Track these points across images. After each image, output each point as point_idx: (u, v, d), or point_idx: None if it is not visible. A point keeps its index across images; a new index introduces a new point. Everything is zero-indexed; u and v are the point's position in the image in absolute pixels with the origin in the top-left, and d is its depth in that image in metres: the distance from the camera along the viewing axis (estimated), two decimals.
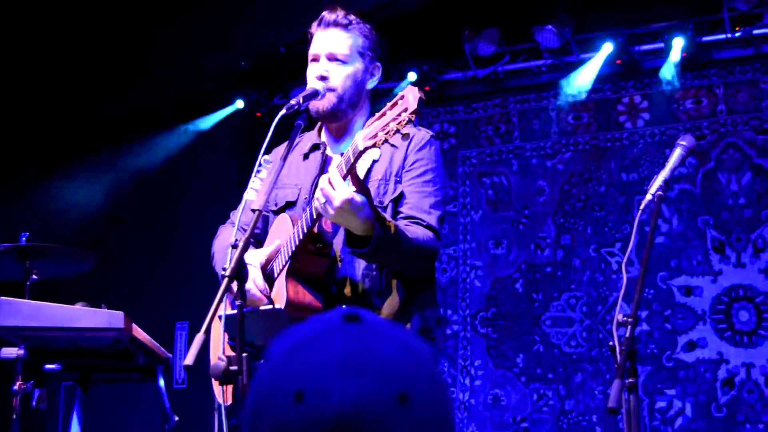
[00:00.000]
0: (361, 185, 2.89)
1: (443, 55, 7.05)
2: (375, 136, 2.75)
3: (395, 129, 2.70)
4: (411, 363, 1.09)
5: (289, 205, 3.33)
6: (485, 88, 7.11)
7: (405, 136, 2.74)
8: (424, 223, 3.12)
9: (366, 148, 2.79)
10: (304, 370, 1.08)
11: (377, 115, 2.80)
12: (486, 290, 6.86)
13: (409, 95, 2.70)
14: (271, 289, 3.15)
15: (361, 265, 3.13)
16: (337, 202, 2.82)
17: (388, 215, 3.09)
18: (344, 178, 2.86)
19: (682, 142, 3.27)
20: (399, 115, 2.70)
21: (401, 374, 1.07)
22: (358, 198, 2.84)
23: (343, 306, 3.10)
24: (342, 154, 2.92)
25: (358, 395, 1.04)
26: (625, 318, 2.86)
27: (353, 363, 1.06)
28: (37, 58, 7.49)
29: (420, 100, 2.68)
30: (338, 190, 2.82)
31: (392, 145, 2.84)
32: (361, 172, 3.06)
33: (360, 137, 2.81)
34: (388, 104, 2.76)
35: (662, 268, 6.33)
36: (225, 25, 7.06)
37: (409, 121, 2.69)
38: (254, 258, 3.15)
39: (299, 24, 6.32)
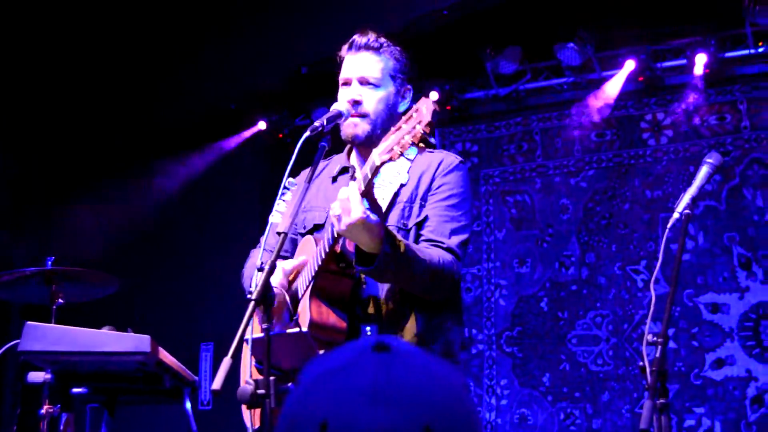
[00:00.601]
0: (375, 204, 2.89)
1: (465, 74, 7.06)
2: (391, 150, 2.75)
3: (410, 142, 2.71)
4: (439, 394, 1.09)
5: (317, 228, 3.33)
6: (507, 106, 7.11)
7: (421, 149, 2.73)
8: (444, 246, 3.10)
9: (382, 163, 2.79)
10: (329, 400, 1.08)
11: (393, 129, 2.80)
12: (511, 309, 6.84)
13: (422, 107, 2.71)
14: (295, 310, 3.14)
15: (385, 286, 3.12)
16: (350, 219, 2.81)
17: (411, 238, 3.08)
18: (362, 195, 2.86)
19: (708, 160, 3.25)
20: (413, 128, 2.71)
21: (428, 406, 1.06)
22: (373, 217, 2.84)
23: (367, 327, 3.09)
24: None
25: (384, 427, 1.03)
26: (654, 338, 2.84)
27: (380, 394, 1.06)
28: (64, 80, 7.55)
29: (434, 112, 2.68)
30: (354, 207, 2.82)
31: (420, 150, 2.80)
32: (388, 196, 3.06)
33: (376, 153, 2.81)
34: (403, 118, 2.77)
35: (689, 286, 6.29)
36: (247, 47, 7.10)
37: (424, 133, 2.69)
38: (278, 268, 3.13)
39: (321, 45, 6.37)
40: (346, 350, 1.14)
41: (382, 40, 3.31)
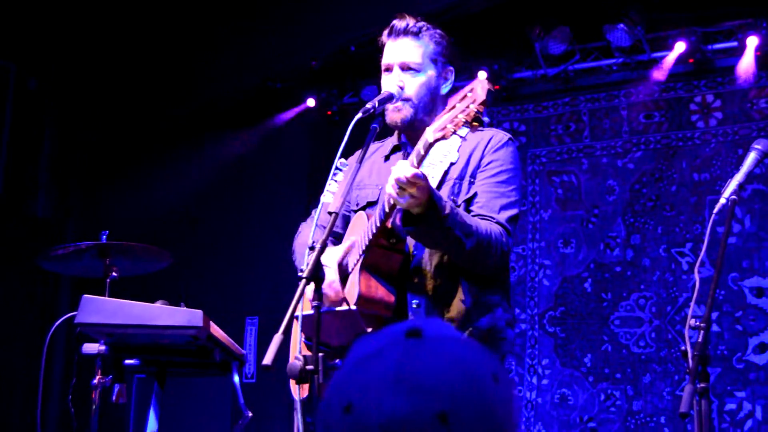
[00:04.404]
0: (425, 178, 2.93)
1: (514, 54, 7.05)
2: (444, 128, 2.80)
3: (463, 120, 2.75)
4: (459, 382, 1.12)
5: (370, 205, 3.36)
6: (555, 86, 7.09)
7: (474, 128, 2.77)
8: (494, 220, 3.14)
9: (436, 140, 2.85)
10: (356, 384, 1.14)
11: (446, 108, 2.84)
12: (554, 289, 6.86)
13: (478, 87, 2.75)
14: (345, 283, 3.19)
15: (433, 262, 3.16)
16: (400, 173, 2.84)
17: None
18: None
19: (757, 146, 3.27)
20: (467, 107, 2.75)
21: (446, 393, 1.10)
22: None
23: (414, 301, 3.13)
24: None
25: (400, 411, 1.08)
26: (697, 323, 2.86)
27: (401, 379, 1.11)
28: (114, 57, 7.64)
29: (489, 91, 2.72)
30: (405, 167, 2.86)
31: (473, 129, 2.83)
32: (438, 174, 3.11)
33: (430, 130, 2.87)
34: (458, 97, 2.81)
35: (734, 269, 6.27)
36: (297, 23, 7.14)
37: (478, 113, 2.72)
38: (331, 257, 3.19)
39: (370, 24, 6.39)
40: (383, 335, 1.20)
41: (422, 24, 3.33)
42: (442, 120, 2.82)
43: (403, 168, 2.84)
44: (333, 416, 1.12)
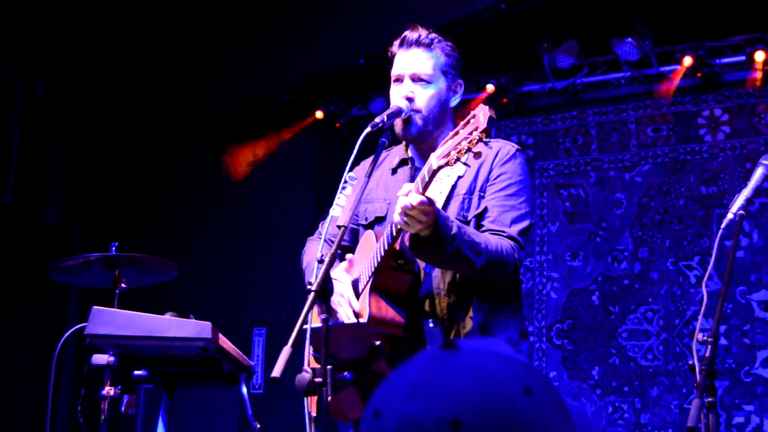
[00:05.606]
0: (432, 203, 2.95)
1: (522, 67, 7.07)
2: (448, 155, 2.81)
3: (466, 147, 2.76)
4: (479, 392, 1.12)
5: (379, 221, 3.38)
6: (564, 100, 7.10)
7: (477, 155, 2.78)
8: (505, 235, 3.15)
9: (440, 167, 2.86)
10: (385, 390, 1.17)
11: (451, 134, 2.86)
12: (562, 302, 6.86)
13: (480, 114, 2.76)
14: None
15: (445, 281, 3.17)
16: (407, 201, 2.86)
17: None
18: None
19: (764, 162, 3.28)
20: (470, 133, 2.76)
21: (461, 402, 1.11)
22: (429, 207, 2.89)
23: (431, 323, 3.15)
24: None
25: (414, 416, 1.11)
26: (705, 337, 2.87)
27: (417, 386, 1.13)
28: (123, 68, 7.66)
29: (490, 118, 2.73)
30: (412, 195, 2.88)
31: (476, 156, 2.86)
32: (446, 188, 3.12)
33: (434, 157, 2.88)
34: (461, 123, 2.83)
35: (741, 283, 6.27)
36: (305, 35, 7.16)
37: (480, 140, 2.74)
38: (342, 274, 3.22)
39: (379, 37, 6.41)
40: (424, 350, 1.24)
41: (433, 35, 3.33)
42: (446, 146, 2.84)
43: (409, 196, 2.86)
44: (367, 419, 1.16)
